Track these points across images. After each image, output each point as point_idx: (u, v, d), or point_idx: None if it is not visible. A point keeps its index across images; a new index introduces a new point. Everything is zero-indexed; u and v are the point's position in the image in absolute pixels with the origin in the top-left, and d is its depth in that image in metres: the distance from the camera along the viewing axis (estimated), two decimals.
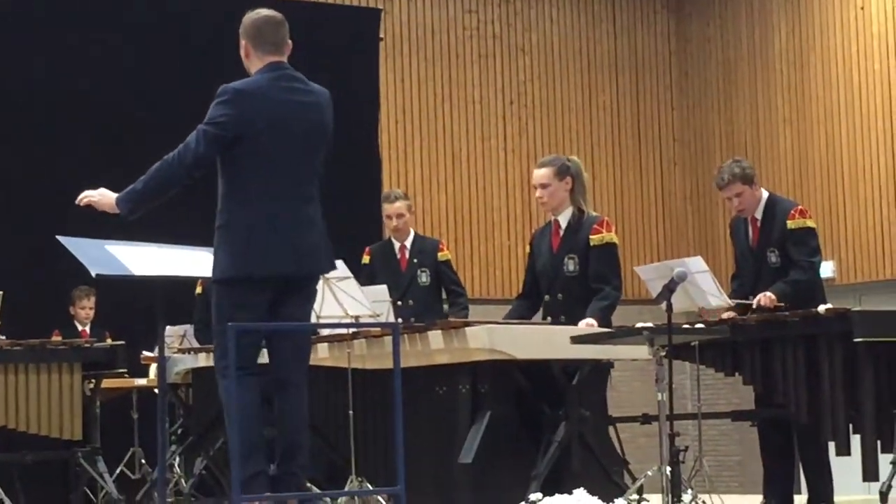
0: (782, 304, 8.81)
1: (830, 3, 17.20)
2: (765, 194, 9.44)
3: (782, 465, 9.57)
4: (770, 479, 9.58)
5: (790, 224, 9.18)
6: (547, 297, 8.78)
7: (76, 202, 7.11)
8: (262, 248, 6.76)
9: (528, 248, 9.23)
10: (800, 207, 9.44)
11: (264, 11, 7.08)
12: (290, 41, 7.04)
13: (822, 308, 8.68)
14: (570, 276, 8.61)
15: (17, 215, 12.48)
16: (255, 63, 6.97)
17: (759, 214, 9.33)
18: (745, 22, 18.05)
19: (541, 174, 8.81)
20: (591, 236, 8.58)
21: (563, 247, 8.69)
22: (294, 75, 6.96)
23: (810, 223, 9.34)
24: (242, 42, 7.02)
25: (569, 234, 8.70)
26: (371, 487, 8.02)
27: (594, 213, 8.81)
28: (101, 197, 7.03)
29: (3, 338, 9.65)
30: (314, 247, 6.92)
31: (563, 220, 8.75)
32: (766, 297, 8.79)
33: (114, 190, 6.93)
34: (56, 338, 10.83)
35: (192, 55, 14.20)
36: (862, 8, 16.83)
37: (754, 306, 8.83)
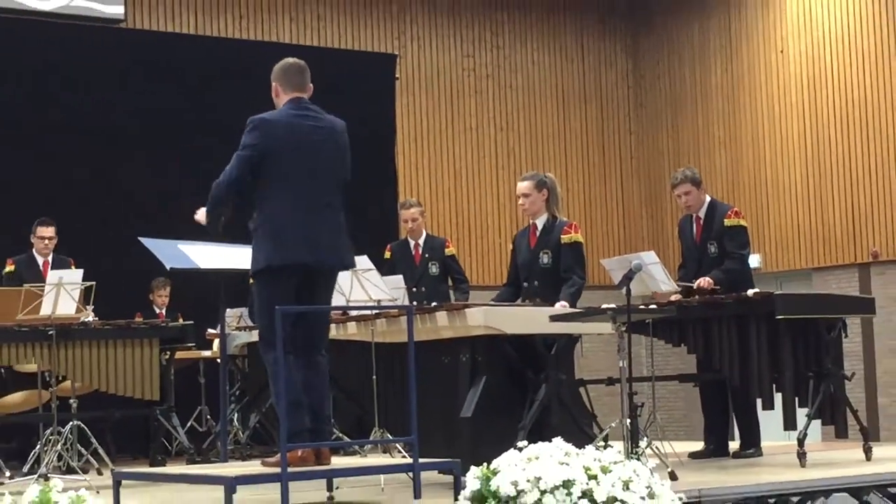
0: (718, 287, 8.88)
1: (756, 48, 17.22)
2: (708, 198, 9.55)
3: (719, 418, 9.61)
4: (709, 429, 9.62)
5: (727, 222, 9.29)
6: (526, 285, 8.84)
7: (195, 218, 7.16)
8: (284, 245, 6.79)
9: (510, 246, 9.29)
10: (735, 209, 9.55)
11: (290, 60, 7.13)
12: (311, 84, 7.07)
13: (750, 292, 8.70)
14: (545, 267, 8.67)
15: (109, 220, 12.45)
16: (282, 100, 7.02)
17: (702, 214, 9.42)
18: (687, 63, 18.04)
19: (523, 186, 8.87)
20: (562, 236, 8.66)
21: (538, 244, 8.75)
22: (310, 107, 6.98)
23: (743, 222, 9.47)
24: (273, 84, 7.06)
25: (544, 235, 8.75)
26: (390, 437, 8.02)
27: (564, 219, 8.87)
28: (201, 215, 7.09)
29: (97, 319, 9.65)
30: (332, 244, 6.94)
31: (540, 223, 8.80)
32: (705, 281, 8.94)
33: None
34: (138, 319, 10.81)
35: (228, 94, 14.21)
36: (782, 51, 16.87)
37: (695, 287, 8.90)
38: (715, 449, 9.49)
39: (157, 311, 12.41)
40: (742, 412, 9.35)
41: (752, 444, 9.33)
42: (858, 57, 16.11)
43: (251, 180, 6.84)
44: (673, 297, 8.77)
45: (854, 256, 16.06)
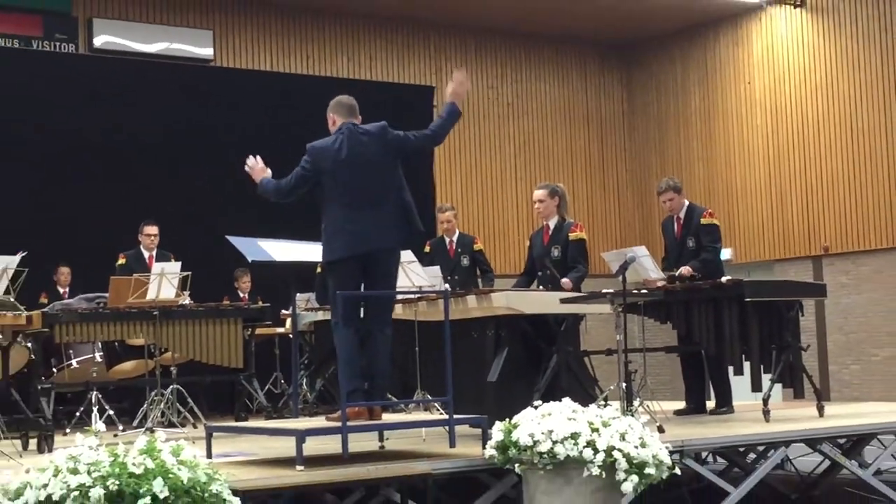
0: (696, 275, 8.90)
1: (728, 80, 17.21)
2: (686, 202, 9.55)
3: (697, 382, 9.60)
4: (689, 391, 9.61)
5: (703, 221, 9.33)
6: (540, 274, 8.90)
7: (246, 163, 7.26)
8: (345, 241, 6.83)
9: (527, 243, 9.32)
10: (709, 210, 9.58)
11: (342, 96, 7.18)
12: (359, 115, 7.10)
13: (724, 279, 8.70)
14: (555, 260, 8.69)
15: (202, 220, 12.52)
16: (336, 126, 7.04)
17: (682, 215, 9.43)
18: (671, 92, 18.00)
19: (539, 194, 8.94)
20: (570, 234, 8.71)
21: (551, 241, 8.79)
22: (352, 127, 6.98)
23: (716, 221, 9.51)
24: (329, 115, 7.09)
25: (555, 233, 8.79)
26: (430, 397, 8.03)
27: (571, 220, 8.93)
28: (256, 171, 7.21)
29: (192, 302, 9.69)
30: (384, 233, 6.94)
31: (552, 224, 8.84)
32: (686, 269, 8.97)
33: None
34: (225, 302, 10.85)
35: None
36: (749, 83, 16.87)
37: (677, 275, 8.90)
38: (694, 407, 9.47)
39: (241, 295, 12.45)
40: (717, 377, 9.35)
41: (725, 403, 9.32)
42: (812, 87, 16.12)
43: (317, 190, 6.91)
44: (660, 284, 8.75)
45: (808, 250, 16.07)
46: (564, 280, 8.48)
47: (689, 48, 17.76)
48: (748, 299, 8.43)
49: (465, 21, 16.71)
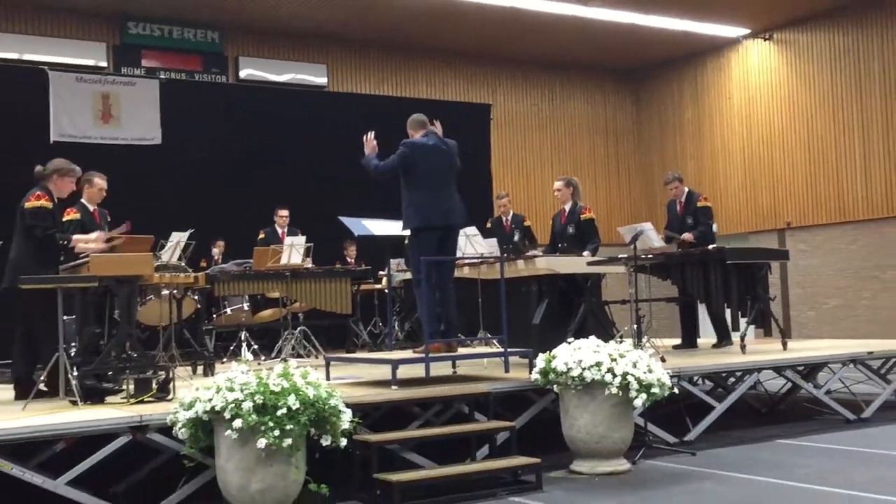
0: (695, 241, 8.89)
1: (713, 96, 16.95)
2: (686, 189, 9.53)
3: (690, 324, 9.50)
4: (684, 331, 9.52)
5: (699, 204, 9.35)
6: (560, 245, 8.85)
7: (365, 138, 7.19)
8: (425, 212, 6.85)
9: (551, 222, 9.26)
10: (704, 196, 9.61)
11: (415, 115, 7.21)
12: (437, 128, 7.14)
13: (711, 247, 8.58)
14: (570, 235, 8.68)
15: (321, 205, 12.60)
16: (415, 136, 7.03)
17: (683, 199, 9.37)
18: (669, 106, 17.77)
19: (558, 184, 9.03)
20: (581, 215, 8.70)
21: (567, 221, 8.79)
22: (434, 135, 7.03)
23: (709, 204, 9.52)
24: (409, 131, 7.10)
25: (570, 215, 8.78)
26: (490, 335, 8.05)
27: (582, 204, 8.90)
28: (369, 145, 7.14)
29: (314, 265, 9.76)
30: (453, 213, 6.97)
31: (567, 207, 8.85)
32: (688, 235, 9.03)
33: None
34: (337, 265, 10.92)
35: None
36: (729, 98, 16.65)
37: (681, 238, 8.97)
38: (689, 343, 9.39)
39: (348, 260, 12.51)
40: (716, 321, 9.22)
41: (724, 338, 9.22)
42: (777, 101, 15.88)
43: (406, 175, 6.91)
44: (661, 250, 8.69)
45: (774, 225, 15.87)
46: (585, 253, 8.43)
47: (683, 72, 17.51)
48: (729, 262, 8.34)
49: (513, 54, 16.60)
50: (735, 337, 8.89)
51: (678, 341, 9.56)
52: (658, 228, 9.34)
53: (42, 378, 6.24)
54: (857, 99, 14.73)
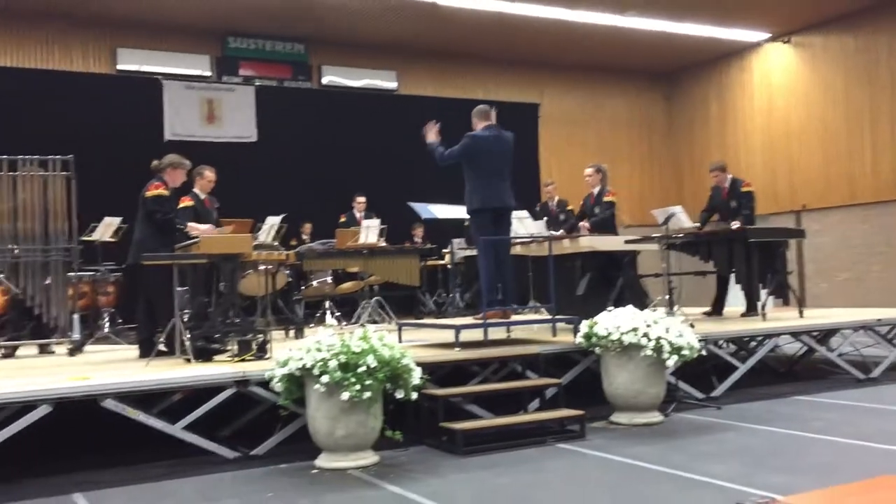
0: (742, 227, 8.45)
1: (736, 94, 16.52)
2: (730, 176, 9.15)
3: (721, 295, 9.21)
4: (715, 301, 9.23)
5: (743, 189, 8.98)
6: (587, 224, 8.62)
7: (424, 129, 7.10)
8: (484, 196, 6.79)
9: (581, 203, 9.07)
10: (747, 182, 9.15)
11: (481, 106, 7.13)
12: (493, 117, 7.03)
13: (734, 225, 8.41)
14: (596, 216, 8.46)
15: (394, 193, 12.65)
16: (478, 127, 6.97)
17: (727, 185, 9.02)
18: (698, 103, 17.37)
19: (588, 171, 8.80)
20: (604, 198, 8.48)
21: (595, 202, 8.59)
22: (493, 127, 6.95)
23: (752, 189, 9.11)
24: (474, 119, 7.04)
25: (598, 197, 8.59)
26: (539, 304, 8.02)
27: (609, 188, 8.67)
28: (431, 133, 7.05)
29: (387, 244, 9.80)
30: (507, 196, 6.90)
31: (595, 191, 8.65)
32: (735, 224, 8.54)
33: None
34: (407, 244, 10.95)
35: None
36: (751, 95, 16.22)
37: (733, 228, 8.46)
38: (718, 311, 9.15)
39: (417, 240, 12.54)
40: (748, 293, 8.76)
41: (752, 306, 8.80)
42: (794, 98, 15.43)
43: (465, 161, 6.85)
44: (689, 230, 8.52)
45: (792, 207, 15.45)
46: (583, 224, 8.35)
47: (710, 72, 17.11)
48: (751, 240, 8.16)
49: (559, 59, 16.38)
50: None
51: (705, 310, 9.39)
52: (692, 211, 9.15)
53: (161, 340, 6.40)
54: (867, 94, 14.29)
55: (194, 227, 6.87)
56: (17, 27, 12.40)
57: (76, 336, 7.19)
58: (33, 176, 7.22)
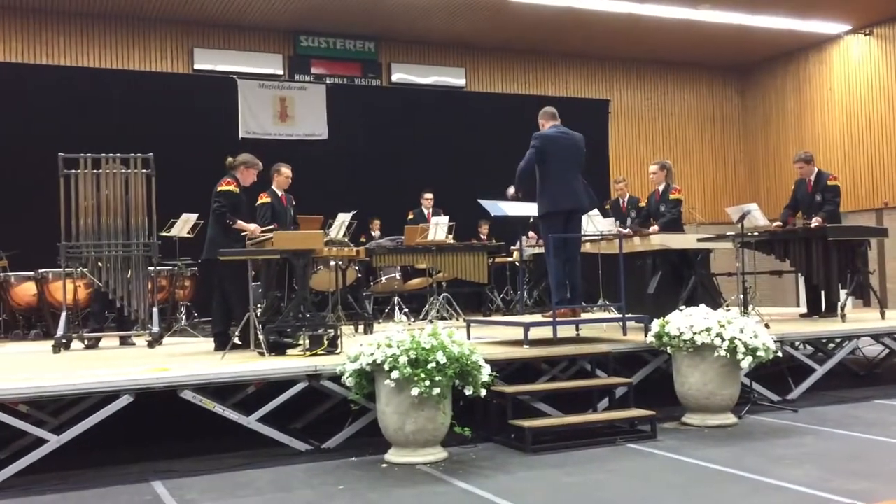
0: (825, 224, 8.08)
1: (814, 87, 16.01)
2: (816, 169, 8.74)
3: (814, 296, 8.74)
4: (809, 301, 8.77)
5: (829, 183, 8.54)
6: (651, 221, 8.40)
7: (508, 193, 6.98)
8: (555, 198, 6.74)
9: (645, 201, 8.88)
10: (833, 176, 8.74)
11: (547, 108, 7.07)
12: (558, 118, 6.97)
13: (813, 224, 8.15)
14: (662, 213, 8.25)
15: (460, 189, 12.67)
16: (545, 127, 6.92)
17: (812, 178, 8.64)
18: (773, 97, 16.91)
19: (653, 168, 8.50)
20: (670, 195, 8.25)
21: (660, 200, 8.32)
22: (561, 127, 6.89)
23: (838, 183, 8.68)
24: (540, 120, 6.99)
25: (664, 194, 8.32)
26: (609, 303, 7.93)
27: (674, 185, 8.37)
28: (511, 191, 6.92)
29: (455, 241, 9.81)
30: (578, 198, 6.83)
31: (661, 188, 8.37)
32: (816, 221, 8.14)
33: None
34: (474, 241, 10.94)
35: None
36: (830, 89, 15.71)
37: (812, 225, 8.09)
38: (812, 312, 8.72)
39: (482, 237, 12.51)
40: (827, 295, 8.48)
41: (830, 306, 8.47)
42: (876, 91, 14.92)
43: (539, 165, 6.76)
44: (766, 228, 8.29)
45: (873, 204, 14.96)
46: (653, 227, 8.11)
47: (787, 66, 16.63)
48: (830, 238, 7.91)
49: (628, 54, 16.17)
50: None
51: (780, 310, 9.14)
52: (768, 208, 8.90)
53: (236, 333, 6.55)
54: None
55: (243, 226, 7.01)
56: (100, 30, 12.83)
57: (155, 329, 7.41)
58: (115, 173, 7.45)
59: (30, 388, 4.83)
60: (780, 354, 6.23)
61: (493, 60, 15.43)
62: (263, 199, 7.68)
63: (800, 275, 8.69)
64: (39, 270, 9.21)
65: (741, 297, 7.00)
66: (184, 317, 9.60)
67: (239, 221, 6.99)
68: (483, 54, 15.29)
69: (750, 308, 7.43)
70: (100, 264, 7.38)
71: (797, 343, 8.33)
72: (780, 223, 8.50)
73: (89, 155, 7.42)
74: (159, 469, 5.07)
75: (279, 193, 7.78)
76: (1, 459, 5.10)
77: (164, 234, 9.19)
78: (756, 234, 8.07)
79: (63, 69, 12.40)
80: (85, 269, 7.43)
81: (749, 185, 17.37)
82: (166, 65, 13.20)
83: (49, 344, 7.41)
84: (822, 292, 8.59)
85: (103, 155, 7.47)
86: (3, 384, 4.87)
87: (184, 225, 9.64)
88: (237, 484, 4.70)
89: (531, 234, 10.33)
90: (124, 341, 7.99)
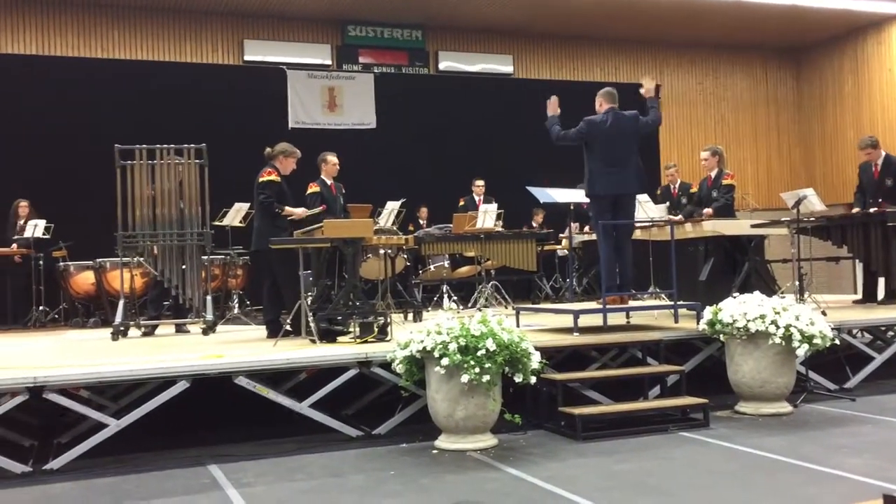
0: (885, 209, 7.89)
1: (873, 68, 15.52)
2: (884, 153, 8.53)
3: (870, 282, 8.51)
4: (864, 287, 8.55)
5: None
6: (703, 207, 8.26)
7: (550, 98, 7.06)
8: (602, 182, 6.70)
9: (697, 187, 8.74)
10: None
11: (609, 88, 7.03)
12: (617, 101, 6.91)
13: (871, 209, 7.93)
14: (715, 198, 8.09)
15: (511, 177, 12.63)
16: (602, 108, 6.87)
17: (880, 162, 8.42)
18: (830, 80, 16.46)
19: (704, 154, 8.40)
20: (723, 180, 8.10)
21: (713, 185, 8.20)
22: (616, 111, 6.85)
23: None
24: (598, 99, 6.95)
25: (715, 180, 8.19)
26: (659, 290, 7.84)
27: (727, 171, 8.26)
28: (552, 106, 7.01)
29: (503, 229, 9.79)
30: (626, 182, 6.76)
31: (713, 174, 8.25)
32: (884, 204, 7.95)
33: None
34: (525, 228, 10.91)
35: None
36: (890, 70, 15.22)
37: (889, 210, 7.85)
38: (868, 298, 8.53)
39: (534, 225, 12.46)
40: (887, 280, 8.23)
41: (892, 297, 8.25)
42: None
43: (586, 149, 6.75)
44: (823, 213, 8.09)
45: None
46: (707, 210, 7.99)
47: (844, 47, 16.17)
48: (890, 224, 7.69)
49: (678, 38, 15.90)
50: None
51: (837, 297, 8.93)
52: (824, 193, 8.67)
53: (287, 321, 6.64)
54: None
55: (290, 211, 7.10)
56: (153, 24, 13.05)
57: (209, 316, 7.54)
58: (169, 164, 7.59)
59: (90, 374, 4.96)
60: (837, 342, 6.09)
61: (540, 47, 15.31)
62: (313, 188, 7.77)
63: (857, 261, 8.45)
64: (97, 260, 9.45)
65: (797, 283, 6.86)
66: (236, 305, 9.76)
67: (286, 207, 7.08)
68: (530, 41, 15.18)
69: (806, 295, 7.28)
70: (155, 253, 7.53)
71: (855, 331, 8.13)
72: (857, 209, 8.27)
73: (144, 146, 7.56)
74: (215, 453, 5.17)
75: (328, 182, 7.87)
76: (63, 443, 5.26)
77: (216, 223, 9.34)
78: (812, 219, 7.89)
79: (118, 63, 12.65)
80: (141, 259, 7.59)
81: (804, 170, 16.99)
82: (217, 57, 13.37)
83: (107, 331, 7.60)
84: (881, 279, 8.37)
85: (157, 146, 7.61)
86: (65, 370, 5.01)
87: (236, 214, 9.79)
88: (290, 468, 4.77)
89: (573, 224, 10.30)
90: (180, 329, 8.15)
